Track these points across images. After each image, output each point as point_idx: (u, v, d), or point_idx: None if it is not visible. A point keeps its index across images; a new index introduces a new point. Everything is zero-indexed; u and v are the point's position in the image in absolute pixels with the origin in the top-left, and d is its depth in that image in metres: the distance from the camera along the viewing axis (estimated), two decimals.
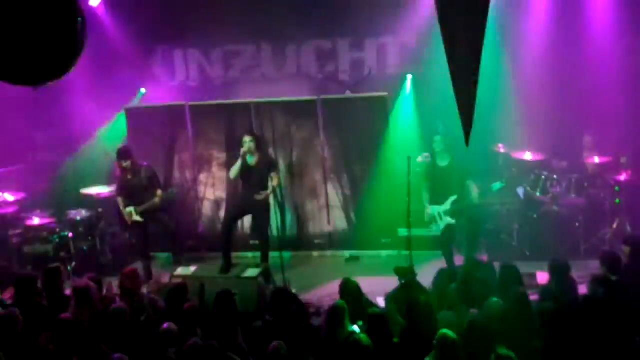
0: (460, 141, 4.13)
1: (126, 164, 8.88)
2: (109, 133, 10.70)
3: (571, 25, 9.60)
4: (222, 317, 5.96)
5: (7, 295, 6.97)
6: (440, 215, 8.40)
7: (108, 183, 10.11)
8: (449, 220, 8.33)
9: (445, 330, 5.18)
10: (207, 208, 10.26)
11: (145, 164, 9.12)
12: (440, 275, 7.75)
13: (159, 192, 9.05)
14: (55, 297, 6.69)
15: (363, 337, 5.35)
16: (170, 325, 5.63)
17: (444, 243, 8.48)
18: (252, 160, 8.70)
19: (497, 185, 8.37)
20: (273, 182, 8.75)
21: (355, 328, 5.79)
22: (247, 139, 8.63)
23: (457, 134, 4.25)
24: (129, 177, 8.98)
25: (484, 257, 8.77)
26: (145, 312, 6.36)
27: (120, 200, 9.12)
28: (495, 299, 5.85)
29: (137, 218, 8.98)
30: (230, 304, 6.24)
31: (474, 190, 8.23)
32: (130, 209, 8.97)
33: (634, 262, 6.81)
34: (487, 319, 5.58)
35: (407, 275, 7.69)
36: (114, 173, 9.82)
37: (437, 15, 3.87)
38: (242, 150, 8.59)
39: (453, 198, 8.31)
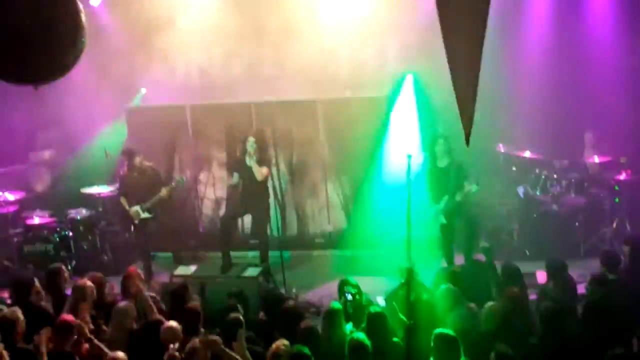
0: (460, 141, 4.13)
1: (136, 160, 8.90)
2: (109, 133, 10.68)
3: (571, 24, 9.62)
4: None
5: (5, 295, 6.98)
6: (436, 215, 8.48)
7: (108, 182, 10.11)
8: (442, 220, 8.44)
9: (443, 329, 5.18)
10: (207, 207, 10.26)
11: (149, 164, 9.17)
12: (440, 275, 7.74)
13: (165, 188, 9.02)
14: (57, 296, 6.69)
15: (362, 336, 5.34)
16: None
17: (444, 243, 8.53)
18: (251, 161, 8.74)
19: (474, 187, 8.39)
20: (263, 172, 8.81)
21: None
22: (251, 139, 8.78)
23: (457, 134, 4.25)
24: (136, 174, 8.97)
25: (483, 257, 8.76)
26: (147, 312, 6.36)
27: (123, 200, 9.12)
28: (495, 300, 5.85)
29: (145, 215, 8.94)
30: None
31: (466, 189, 8.27)
32: (136, 207, 8.94)
33: (634, 262, 6.82)
34: (487, 318, 5.59)
35: (409, 274, 7.68)
36: (115, 172, 9.82)
37: (437, 14, 3.87)
38: (248, 153, 8.70)
39: (446, 198, 8.38)
